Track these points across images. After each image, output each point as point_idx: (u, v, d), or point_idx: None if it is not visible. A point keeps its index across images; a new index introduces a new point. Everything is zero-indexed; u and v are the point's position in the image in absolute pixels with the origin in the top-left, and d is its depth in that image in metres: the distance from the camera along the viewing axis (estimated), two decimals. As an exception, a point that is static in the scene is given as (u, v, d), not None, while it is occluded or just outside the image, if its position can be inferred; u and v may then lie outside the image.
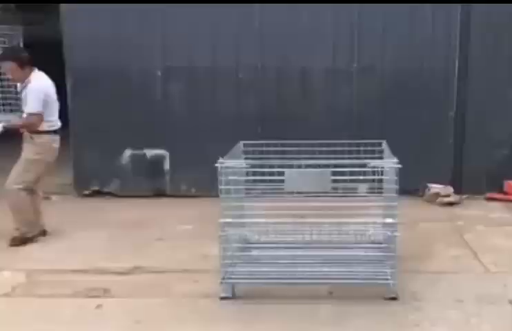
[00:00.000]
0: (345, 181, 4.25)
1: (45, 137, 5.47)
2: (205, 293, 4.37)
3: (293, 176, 4.13)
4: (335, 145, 4.74)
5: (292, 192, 4.29)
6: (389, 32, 6.85)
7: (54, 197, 7.19)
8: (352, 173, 4.16)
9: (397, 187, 4.09)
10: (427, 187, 6.87)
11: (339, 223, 4.64)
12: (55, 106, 5.56)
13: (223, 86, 7.00)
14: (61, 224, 6.12)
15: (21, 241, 5.47)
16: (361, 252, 4.57)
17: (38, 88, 5.39)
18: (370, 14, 6.85)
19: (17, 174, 5.44)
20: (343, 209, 4.41)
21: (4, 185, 5.46)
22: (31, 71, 5.42)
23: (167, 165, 7.13)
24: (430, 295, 4.32)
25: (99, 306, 4.24)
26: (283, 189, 4.17)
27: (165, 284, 4.60)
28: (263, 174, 4.22)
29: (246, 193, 4.61)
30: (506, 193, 6.81)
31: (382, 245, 4.42)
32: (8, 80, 6.04)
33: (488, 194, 6.86)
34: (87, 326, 4.00)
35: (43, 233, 5.67)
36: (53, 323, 4.01)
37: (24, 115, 5.42)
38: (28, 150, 5.45)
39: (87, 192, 7.24)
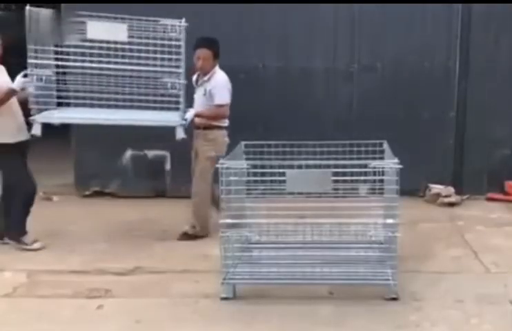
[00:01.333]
0: (346, 181, 4.25)
1: (217, 132, 5.45)
2: (206, 293, 4.38)
3: (294, 177, 4.13)
4: (335, 145, 4.74)
5: (293, 193, 4.30)
6: (389, 32, 6.85)
7: (55, 198, 7.20)
8: (353, 174, 4.17)
9: (397, 187, 4.10)
10: (428, 187, 6.87)
11: (340, 223, 4.65)
12: None
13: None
14: (61, 224, 6.14)
15: (190, 238, 5.51)
16: (361, 253, 4.57)
17: (225, 81, 5.45)
18: (370, 14, 6.86)
19: (203, 175, 5.43)
20: (344, 210, 4.43)
21: (195, 188, 5.48)
22: (216, 64, 5.46)
23: (168, 166, 7.13)
24: (430, 295, 4.33)
25: (100, 306, 4.25)
26: (284, 189, 4.18)
27: (165, 284, 4.61)
28: (264, 174, 4.23)
29: (247, 193, 4.62)
30: (507, 193, 6.80)
31: (383, 246, 4.42)
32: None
33: (489, 195, 6.86)
34: (88, 326, 4.01)
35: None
36: (54, 324, 4.02)
37: (190, 110, 5.37)
38: (205, 149, 5.41)
39: (88, 193, 7.24)
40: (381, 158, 4.47)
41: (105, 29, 4.90)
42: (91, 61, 4.99)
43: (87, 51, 4.99)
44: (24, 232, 5.37)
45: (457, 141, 6.96)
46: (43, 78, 4.92)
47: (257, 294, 4.34)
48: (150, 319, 4.05)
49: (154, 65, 5.01)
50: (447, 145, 6.96)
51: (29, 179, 5.38)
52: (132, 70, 5.04)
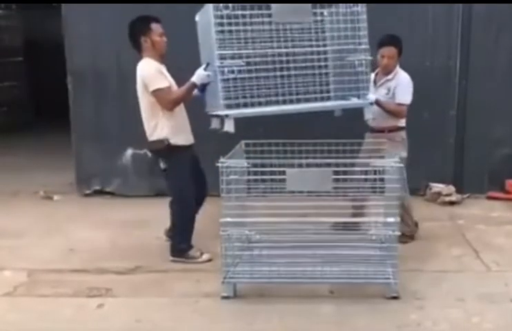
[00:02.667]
0: (346, 180, 4.25)
1: (403, 133, 5.28)
2: (207, 292, 4.38)
3: (294, 176, 4.13)
4: (336, 144, 4.74)
5: (294, 192, 4.30)
6: (390, 31, 6.82)
7: (56, 197, 7.21)
8: (353, 172, 4.17)
9: (398, 186, 4.10)
10: (428, 186, 6.87)
11: (340, 222, 4.64)
12: None
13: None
14: (62, 223, 6.14)
15: (408, 237, 5.27)
16: (362, 251, 4.57)
17: (409, 81, 5.26)
18: (370, 13, 6.83)
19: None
20: (345, 209, 4.42)
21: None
22: (398, 63, 5.29)
23: (168, 165, 7.11)
24: (431, 294, 4.32)
25: (100, 305, 4.25)
26: (284, 188, 4.18)
27: (166, 283, 4.60)
28: (264, 173, 4.23)
29: (247, 192, 4.62)
30: (507, 192, 6.80)
31: (383, 245, 4.42)
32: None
33: (490, 193, 6.85)
34: (89, 325, 4.01)
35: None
36: (54, 323, 4.02)
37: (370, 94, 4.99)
38: (397, 149, 5.05)
39: (88, 192, 7.24)
40: (382, 157, 4.47)
41: (290, 11, 4.62)
42: (286, 47, 4.65)
43: (274, 36, 4.66)
44: (190, 246, 5.01)
45: (458, 140, 6.94)
46: (235, 69, 4.53)
47: (257, 293, 4.34)
48: (150, 318, 4.05)
49: (339, 44, 4.75)
50: (447, 144, 6.94)
51: (196, 187, 4.98)
52: (318, 52, 4.74)
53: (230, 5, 4.50)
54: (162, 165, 4.96)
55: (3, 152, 9.81)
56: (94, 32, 6.95)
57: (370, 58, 4.75)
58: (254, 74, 4.62)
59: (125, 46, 6.88)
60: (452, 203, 6.63)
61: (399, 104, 5.21)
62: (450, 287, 4.45)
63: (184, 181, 4.88)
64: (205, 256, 4.97)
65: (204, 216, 5.63)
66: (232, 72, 4.52)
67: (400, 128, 5.28)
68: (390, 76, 5.26)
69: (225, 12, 4.48)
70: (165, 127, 4.81)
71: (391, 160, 4.16)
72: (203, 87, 4.78)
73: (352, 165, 4.30)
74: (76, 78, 7.09)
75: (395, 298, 4.19)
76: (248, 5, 4.56)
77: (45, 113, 12.54)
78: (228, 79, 4.52)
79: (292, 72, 4.70)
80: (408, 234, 5.27)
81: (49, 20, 11.77)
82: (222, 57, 4.51)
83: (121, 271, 4.82)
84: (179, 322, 4.02)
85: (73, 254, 5.25)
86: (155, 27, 4.84)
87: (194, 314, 4.11)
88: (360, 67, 4.73)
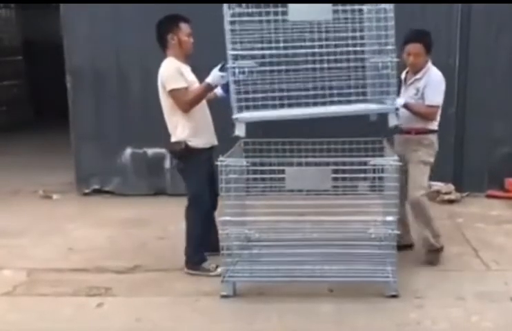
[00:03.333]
0: (345, 178, 4.25)
1: (433, 137, 4.84)
2: (206, 291, 4.38)
3: (294, 175, 4.13)
4: (335, 143, 4.74)
5: (293, 190, 4.30)
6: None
7: (55, 196, 7.20)
8: (352, 171, 4.17)
9: (397, 184, 4.10)
10: (428, 184, 6.86)
11: (340, 220, 4.65)
12: None
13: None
14: (61, 223, 6.14)
15: (435, 253, 4.88)
16: (361, 250, 4.57)
17: (440, 80, 4.82)
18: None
19: (416, 180, 4.78)
20: (344, 207, 4.43)
21: (409, 196, 4.78)
22: (428, 60, 4.85)
23: (167, 164, 7.12)
24: (431, 293, 4.32)
25: (99, 305, 4.25)
26: (283, 187, 4.18)
27: (166, 282, 4.60)
28: (263, 172, 4.23)
29: (247, 191, 4.62)
30: (507, 191, 6.80)
31: (383, 243, 4.42)
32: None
33: (489, 192, 6.85)
34: (88, 325, 4.01)
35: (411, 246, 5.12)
36: (54, 322, 4.03)
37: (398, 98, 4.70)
38: (420, 154, 4.78)
39: (87, 191, 7.24)
40: (381, 156, 4.47)
41: (307, 10, 4.36)
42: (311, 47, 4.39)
43: (288, 35, 4.45)
44: (203, 259, 4.73)
45: (457, 138, 6.94)
46: (246, 70, 4.31)
47: (257, 291, 4.34)
48: (150, 318, 4.05)
49: (362, 45, 4.45)
50: (447, 143, 6.91)
51: (210, 193, 4.73)
52: (341, 52, 4.43)
53: (243, 4, 4.36)
54: (173, 164, 4.86)
55: (2, 151, 9.81)
56: (93, 31, 6.94)
57: (396, 60, 4.44)
58: (268, 76, 4.45)
59: (125, 46, 6.96)
60: (451, 202, 6.62)
61: (429, 106, 4.78)
62: (449, 285, 4.45)
63: (201, 185, 4.67)
64: (219, 270, 4.53)
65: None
66: (243, 72, 4.33)
67: (430, 131, 4.83)
68: (419, 75, 4.82)
69: (237, 10, 4.34)
70: (186, 128, 4.63)
71: (390, 158, 4.16)
72: (226, 88, 4.58)
73: (352, 163, 4.29)
74: (75, 78, 7.09)
75: (394, 296, 4.19)
76: (262, 4, 4.40)
77: (45, 112, 12.55)
78: (239, 81, 4.35)
79: (310, 74, 4.52)
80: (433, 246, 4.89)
81: (48, 19, 11.77)
82: (234, 57, 4.33)
83: (120, 270, 4.82)
84: (178, 321, 4.02)
85: (72, 254, 5.25)
86: (184, 26, 4.69)
87: (193, 313, 4.11)
88: (385, 69, 4.42)
